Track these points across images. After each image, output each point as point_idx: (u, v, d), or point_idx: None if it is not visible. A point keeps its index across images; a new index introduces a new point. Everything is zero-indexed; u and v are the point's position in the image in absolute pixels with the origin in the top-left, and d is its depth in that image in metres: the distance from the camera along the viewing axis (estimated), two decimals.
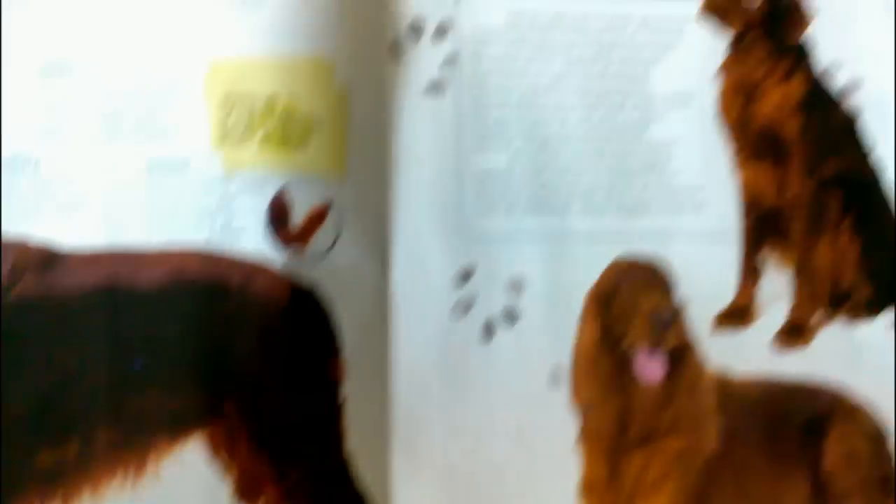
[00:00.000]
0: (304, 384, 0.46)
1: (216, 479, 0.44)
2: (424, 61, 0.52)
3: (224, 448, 0.44)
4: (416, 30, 0.52)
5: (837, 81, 0.56)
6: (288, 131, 0.46)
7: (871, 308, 0.54)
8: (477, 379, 0.50)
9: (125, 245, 0.44)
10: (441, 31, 0.52)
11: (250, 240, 0.45)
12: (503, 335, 0.51)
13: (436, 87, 0.52)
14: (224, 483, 0.44)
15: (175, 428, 0.44)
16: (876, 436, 0.52)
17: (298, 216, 0.46)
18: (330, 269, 0.47)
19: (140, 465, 0.43)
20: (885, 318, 0.55)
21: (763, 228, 0.55)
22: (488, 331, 0.51)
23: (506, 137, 0.52)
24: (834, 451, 0.52)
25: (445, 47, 0.52)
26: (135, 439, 0.43)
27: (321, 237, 0.47)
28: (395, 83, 0.51)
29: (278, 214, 0.46)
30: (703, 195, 0.54)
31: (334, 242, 0.48)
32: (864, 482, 0.52)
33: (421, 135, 0.51)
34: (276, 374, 0.45)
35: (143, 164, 0.45)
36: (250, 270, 0.45)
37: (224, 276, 0.44)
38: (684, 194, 0.54)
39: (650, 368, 0.51)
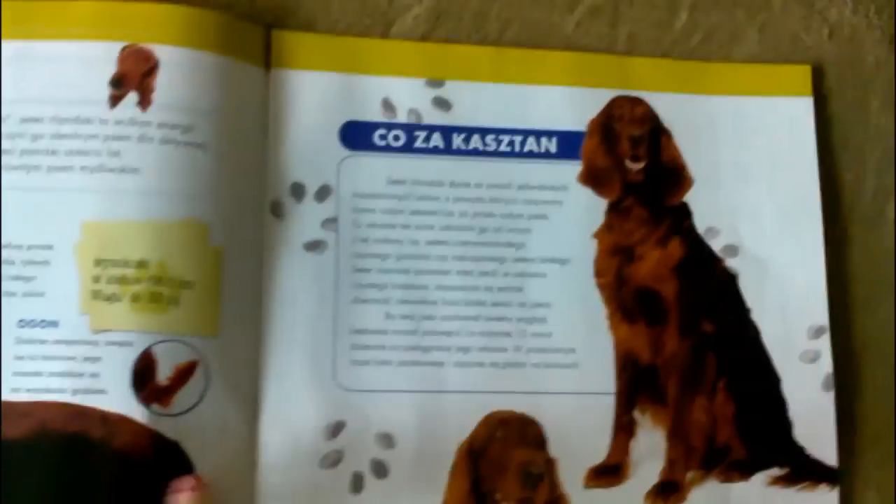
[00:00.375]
0: None
1: None
2: (305, 221, 0.54)
3: None
4: (298, 191, 0.54)
5: (715, 245, 0.58)
6: (158, 292, 0.48)
7: (746, 469, 0.56)
8: None
9: None
10: (322, 194, 0.55)
11: (115, 396, 0.47)
12: (372, 487, 0.52)
13: (315, 246, 0.54)
14: None
15: None
16: None
17: (165, 373, 0.48)
18: (195, 424, 0.49)
19: None
20: (760, 476, 0.55)
21: (637, 387, 0.56)
22: (357, 483, 0.52)
23: (383, 295, 0.54)
24: None
25: (326, 208, 0.54)
26: None
27: (187, 393, 0.49)
28: (274, 241, 0.53)
29: (143, 372, 0.48)
30: (577, 355, 0.55)
31: (201, 398, 0.49)
32: None
33: (298, 291, 0.53)
34: None
35: (13, 323, 0.47)
36: (113, 424, 0.47)
37: (87, 429, 0.46)
38: (559, 353, 0.55)
39: None
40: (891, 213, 0.60)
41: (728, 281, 0.57)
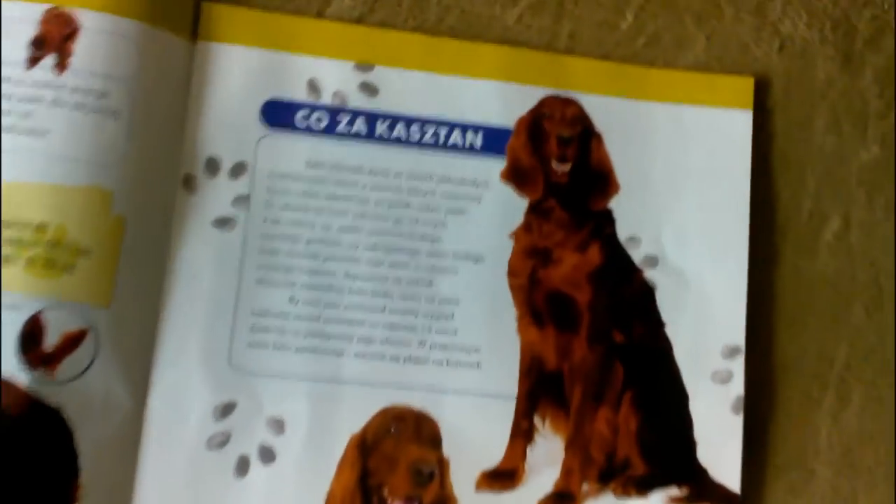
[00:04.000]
0: (38, 500, 0.47)
1: None
2: (216, 197, 0.54)
3: None
4: (213, 166, 0.54)
5: (635, 255, 0.57)
6: (53, 257, 0.48)
7: (644, 486, 0.55)
8: None
9: None
10: (237, 171, 0.54)
11: (2, 358, 0.47)
12: (257, 472, 0.52)
13: (224, 223, 0.54)
14: None
15: None
16: None
17: (53, 339, 0.48)
18: (80, 393, 0.49)
19: None
20: (658, 494, 0.54)
21: (540, 392, 0.55)
22: (242, 467, 0.52)
23: (289, 278, 0.54)
24: None
25: (240, 186, 0.54)
26: None
27: (74, 361, 0.49)
28: (182, 215, 0.53)
29: (30, 336, 0.48)
30: (481, 354, 0.55)
31: (88, 367, 0.49)
32: None
33: (202, 268, 0.53)
34: (12, 488, 0.46)
35: None
36: None
37: None
38: (462, 352, 0.54)
39: None
40: (826, 236, 0.58)
41: (645, 292, 0.56)
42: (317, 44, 0.56)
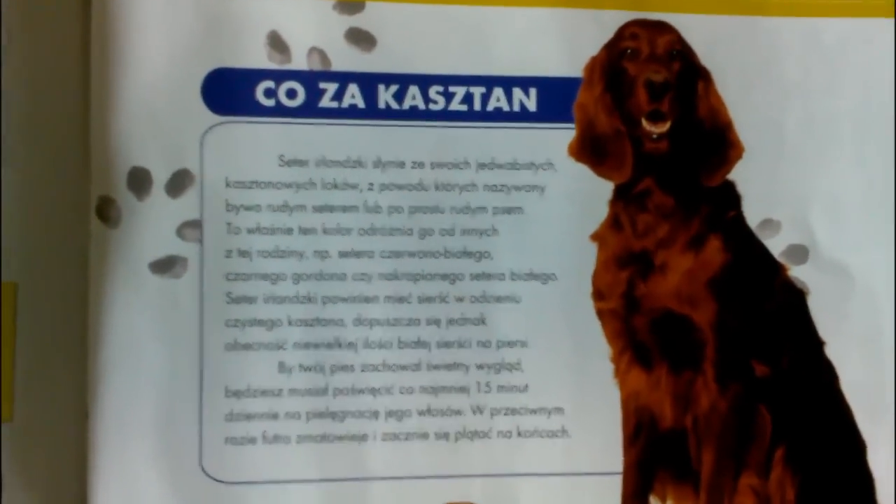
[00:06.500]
0: None
1: None
2: (152, 227, 0.41)
3: None
4: (140, 182, 0.41)
5: (775, 247, 0.45)
6: None
7: None
8: None
9: None
10: (178, 184, 0.41)
11: None
12: None
13: (168, 266, 0.41)
14: None
15: None
16: None
17: None
18: None
19: None
20: None
21: (655, 461, 0.45)
22: None
23: (275, 337, 0.41)
24: None
25: (185, 206, 0.41)
26: None
27: None
28: (103, 262, 0.40)
29: None
30: (566, 417, 0.43)
31: None
32: None
33: (141, 336, 0.41)
34: None
35: None
36: None
37: None
38: (538, 416, 0.43)
39: None
40: None
41: (792, 300, 0.45)
42: None
